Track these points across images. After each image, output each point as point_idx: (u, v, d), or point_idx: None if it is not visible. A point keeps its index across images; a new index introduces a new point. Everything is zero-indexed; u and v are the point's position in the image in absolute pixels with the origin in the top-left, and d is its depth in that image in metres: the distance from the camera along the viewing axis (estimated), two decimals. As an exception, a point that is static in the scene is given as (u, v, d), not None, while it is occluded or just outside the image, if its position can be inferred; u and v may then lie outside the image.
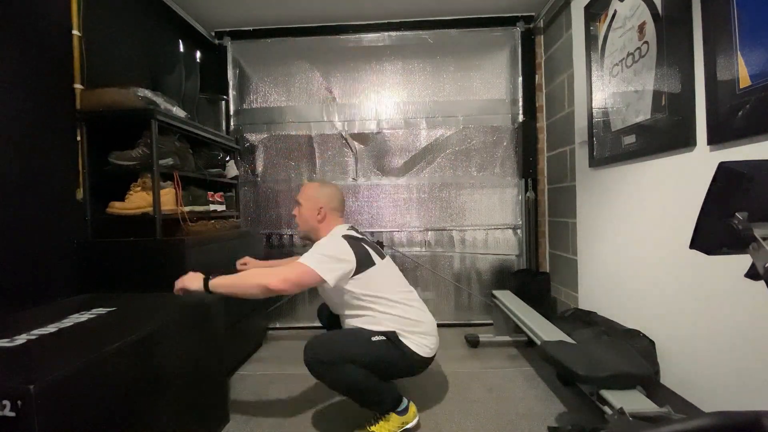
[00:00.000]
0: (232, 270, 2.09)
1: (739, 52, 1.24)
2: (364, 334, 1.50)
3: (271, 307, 2.87)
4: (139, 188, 1.79)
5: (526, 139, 2.89)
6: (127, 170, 1.78)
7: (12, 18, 1.49)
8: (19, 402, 0.76)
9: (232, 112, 2.97)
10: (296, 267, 1.42)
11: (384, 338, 1.50)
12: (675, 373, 1.58)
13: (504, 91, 2.92)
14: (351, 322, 1.58)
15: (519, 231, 2.92)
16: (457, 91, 2.91)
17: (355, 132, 2.94)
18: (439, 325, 1.68)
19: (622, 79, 1.87)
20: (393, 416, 1.53)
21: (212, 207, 2.22)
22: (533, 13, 2.83)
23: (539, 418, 1.58)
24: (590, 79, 2.14)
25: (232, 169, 2.47)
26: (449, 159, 2.93)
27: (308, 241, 1.69)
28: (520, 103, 2.90)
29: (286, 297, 2.91)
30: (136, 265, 1.70)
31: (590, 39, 2.14)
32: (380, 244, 2.29)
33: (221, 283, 1.40)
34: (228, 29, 2.94)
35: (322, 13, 2.76)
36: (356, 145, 2.95)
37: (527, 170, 2.89)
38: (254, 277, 1.44)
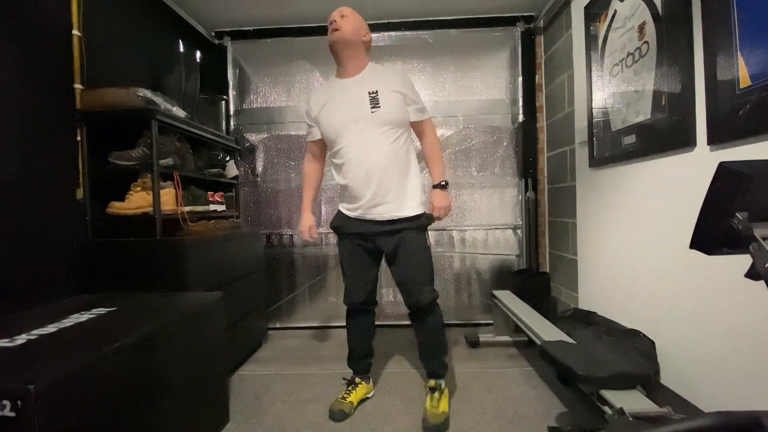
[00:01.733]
0: (232, 270, 2.10)
1: (739, 52, 1.24)
2: (427, 247, 1.68)
3: (271, 307, 2.88)
4: (139, 188, 1.79)
5: (526, 139, 2.89)
6: (127, 170, 1.78)
7: (12, 18, 1.49)
8: (19, 402, 0.76)
9: (232, 112, 2.97)
10: (432, 125, 1.74)
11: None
12: (675, 373, 1.58)
13: (504, 91, 2.92)
14: (398, 178, 1.61)
15: (519, 231, 2.92)
16: (457, 91, 2.91)
17: (355, 132, 2.94)
18: (439, 325, 1.73)
19: (622, 79, 1.87)
20: (443, 384, 1.71)
21: (212, 207, 2.22)
22: (533, 13, 2.83)
23: (539, 418, 1.58)
24: (590, 79, 2.14)
25: (232, 169, 2.47)
26: (449, 159, 2.93)
27: (339, 50, 1.62)
28: (520, 103, 2.90)
29: (286, 297, 2.91)
30: (136, 265, 1.69)
31: (590, 39, 2.14)
32: None
33: (443, 172, 1.71)
34: (228, 29, 2.94)
35: (322, 13, 2.74)
36: (356, 145, 2.94)
37: (527, 170, 2.89)
38: (438, 150, 1.74)
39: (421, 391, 1.85)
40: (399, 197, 1.60)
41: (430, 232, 1.71)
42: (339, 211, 1.72)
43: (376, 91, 1.57)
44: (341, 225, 1.70)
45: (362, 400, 1.77)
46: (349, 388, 1.77)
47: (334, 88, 1.65)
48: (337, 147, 1.62)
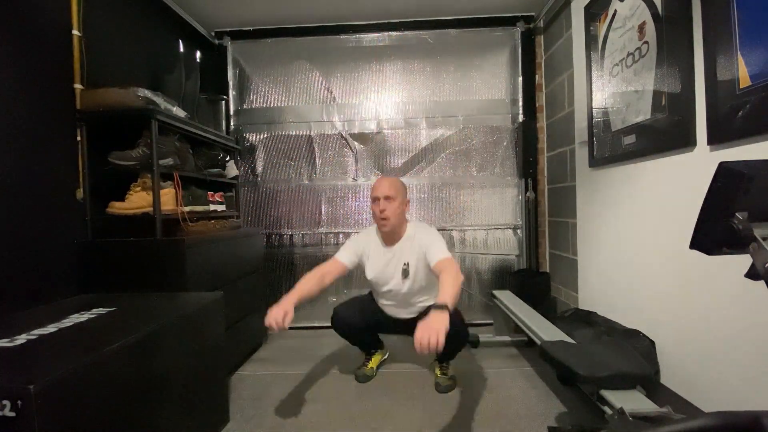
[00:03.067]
0: (232, 270, 2.10)
1: (739, 52, 1.24)
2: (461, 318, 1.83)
3: (271, 307, 2.87)
4: (139, 188, 1.79)
5: (526, 139, 2.89)
6: (127, 170, 1.77)
7: (12, 18, 1.49)
8: (19, 402, 0.76)
9: (232, 112, 2.97)
10: (453, 262, 1.65)
11: None
12: (675, 373, 1.58)
13: (504, 91, 2.92)
14: (424, 302, 1.88)
15: (519, 231, 2.92)
16: (457, 91, 2.91)
17: (355, 132, 2.95)
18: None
19: (622, 79, 1.87)
20: None
21: (212, 207, 2.22)
22: (533, 13, 2.83)
23: (539, 418, 1.58)
24: (590, 79, 2.14)
25: (232, 169, 2.47)
26: (449, 159, 2.93)
27: (388, 236, 1.87)
28: (520, 103, 2.91)
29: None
30: (136, 265, 1.69)
31: (590, 39, 2.14)
32: None
33: (453, 301, 1.42)
34: (228, 29, 2.94)
35: (322, 13, 2.76)
36: (356, 145, 2.95)
37: (527, 170, 2.89)
38: (456, 284, 1.50)
39: (421, 390, 1.85)
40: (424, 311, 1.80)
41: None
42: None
43: (407, 263, 1.84)
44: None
45: (380, 364, 2.09)
46: (367, 357, 2.06)
47: (382, 253, 1.91)
48: (376, 289, 1.97)
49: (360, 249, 1.91)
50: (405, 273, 1.84)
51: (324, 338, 2.63)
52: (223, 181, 2.42)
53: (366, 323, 1.97)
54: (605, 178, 2.06)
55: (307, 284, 1.71)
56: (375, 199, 1.82)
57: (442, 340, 1.17)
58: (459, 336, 1.78)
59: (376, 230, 1.94)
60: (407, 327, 1.69)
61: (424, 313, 1.76)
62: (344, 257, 1.87)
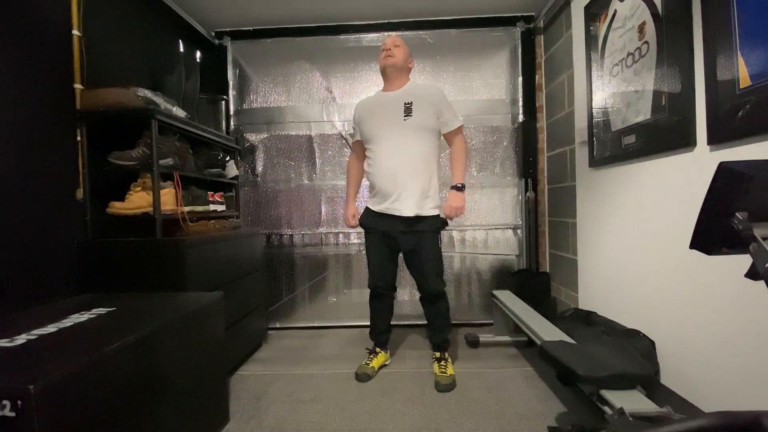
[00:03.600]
0: (232, 270, 2.10)
1: (739, 52, 1.24)
2: (438, 247, 1.97)
3: (271, 307, 2.88)
4: (139, 188, 1.79)
5: (526, 139, 2.89)
6: (127, 170, 1.78)
7: (12, 18, 1.49)
8: (19, 402, 0.76)
9: (232, 112, 2.97)
10: (462, 134, 1.92)
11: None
12: (675, 373, 1.58)
13: (504, 91, 2.92)
14: (419, 180, 1.87)
15: (519, 231, 2.92)
16: (457, 91, 2.91)
17: (355, 132, 2.94)
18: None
19: (622, 79, 1.87)
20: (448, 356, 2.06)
21: (212, 207, 2.22)
22: (533, 13, 2.83)
23: (539, 418, 1.58)
24: (590, 79, 2.14)
25: (232, 169, 2.47)
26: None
27: (389, 72, 1.92)
28: (520, 103, 2.90)
29: (286, 297, 2.92)
30: (136, 265, 1.69)
31: (590, 39, 2.14)
32: None
33: (463, 176, 1.89)
34: (228, 29, 2.94)
35: (322, 13, 2.76)
36: (356, 145, 2.95)
37: (527, 170, 2.89)
38: (464, 156, 1.91)
39: (421, 390, 1.85)
40: (419, 197, 1.85)
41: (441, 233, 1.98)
42: (366, 208, 2.03)
43: (411, 102, 1.86)
44: (368, 222, 2.01)
45: (381, 367, 2.10)
46: (371, 356, 2.10)
47: (379, 98, 1.98)
48: (371, 147, 1.93)
49: (357, 116, 2.02)
50: (407, 110, 1.84)
51: (324, 338, 2.63)
52: (223, 181, 2.42)
53: (388, 269, 2.03)
54: (605, 178, 2.06)
55: (355, 176, 2.14)
56: (384, 48, 1.92)
57: (463, 211, 1.86)
58: (442, 312, 2.02)
59: (374, 94, 2.04)
60: (408, 240, 1.90)
61: (423, 216, 1.87)
62: (354, 136, 2.07)
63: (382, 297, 2.08)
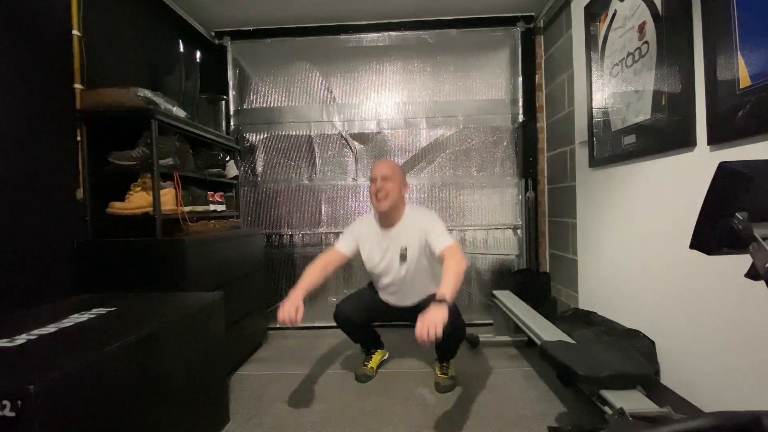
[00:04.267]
0: (232, 270, 2.10)
1: (739, 52, 1.23)
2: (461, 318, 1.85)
3: (271, 307, 2.88)
4: (139, 188, 1.79)
5: (526, 139, 2.89)
6: (127, 170, 1.78)
7: (12, 18, 1.49)
8: (19, 402, 0.76)
9: (232, 112, 2.97)
10: (456, 248, 1.66)
11: None
12: (675, 373, 1.58)
13: (504, 91, 2.92)
14: (425, 284, 1.86)
15: (519, 231, 2.92)
16: (457, 91, 2.91)
17: (355, 132, 2.95)
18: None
19: (622, 79, 1.87)
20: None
21: (212, 207, 2.22)
22: (533, 13, 2.83)
23: (539, 418, 1.58)
24: (590, 79, 2.14)
25: (232, 169, 2.47)
26: (449, 159, 2.93)
27: (384, 214, 1.86)
28: (520, 103, 2.91)
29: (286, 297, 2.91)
30: (136, 265, 1.69)
31: (590, 39, 2.13)
32: None
33: (452, 294, 1.45)
34: (228, 29, 2.94)
35: (322, 13, 2.76)
36: (356, 145, 2.95)
37: (527, 170, 2.89)
38: (458, 274, 1.53)
39: (421, 390, 1.85)
40: (421, 298, 1.89)
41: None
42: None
43: (406, 248, 1.84)
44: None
45: (380, 364, 2.08)
46: (367, 357, 2.07)
47: (379, 235, 1.91)
48: (374, 274, 1.97)
49: (357, 235, 1.92)
50: (402, 257, 1.84)
51: (324, 338, 2.63)
52: (223, 181, 2.42)
53: (368, 316, 1.99)
54: (605, 178, 2.06)
55: (312, 276, 1.75)
56: (373, 180, 1.83)
57: (440, 331, 1.27)
58: (456, 332, 1.81)
59: (373, 216, 1.94)
60: (410, 314, 1.74)
61: (425, 301, 1.82)
62: (343, 246, 1.89)
63: (355, 325, 1.97)
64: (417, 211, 1.90)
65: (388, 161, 1.96)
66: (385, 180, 1.80)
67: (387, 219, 1.87)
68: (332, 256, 1.86)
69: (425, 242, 1.77)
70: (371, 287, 2.07)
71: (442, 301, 1.39)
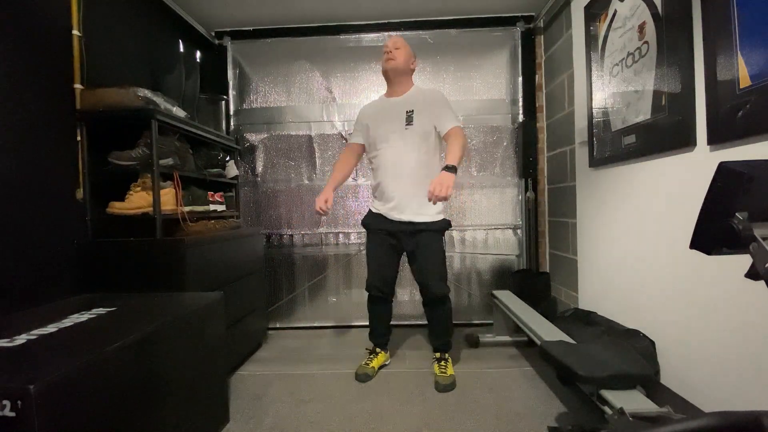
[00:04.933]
0: (232, 270, 2.10)
1: (739, 52, 1.24)
2: (442, 249, 1.95)
3: (271, 307, 2.88)
4: (139, 188, 1.79)
5: (526, 139, 2.89)
6: (127, 170, 1.77)
7: (11, 18, 1.49)
8: (19, 402, 0.76)
9: (232, 112, 2.97)
10: (461, 130, 1.82)
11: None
12: (675, 373, 1.58)
13: (504, 91, 2.92)
14: (423, 185, 1.78)
15: (519, 231, 2.92)
16: (457, 91, 2.91)
17: (355, 132, 2.94)
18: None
19: (622, 79, 1.87)
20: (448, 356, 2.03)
21: (212, 207, 2.22)
22: (533, 13, 2.83)
23: (539, 418, 1.58)
24: (590, 79, 2.14)
25: (232, 169, 2.47)
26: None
27: (391, 75, 1.94)
28: (520, 103, 2.90)
29: (286, 297, 2.92)
30: (136, 265, 1.69)
31: (590, 39, 2.14)
32: None
33: (458, 161, 1.69)
34: (228, 29, 2.94)
35: (322, 13, 2.76)
36: (356, 145, 2.95)
37: (527, 170, 2.89)
38: (463, 148, 1.74)
39: (421, 390, 1.85)
40: (421, 203, 1.83)
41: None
42: (369, 211, 2.04)
43: (412, 111, 1.88)
44: (371, 222, 2.01)
45: (381, 366, 2.10)
46: (371, 356, 2.09)
47: (382, 104, 2.00)
48: (375, 153, 1.97)
49: (361, 118, 2.02)
50: (409, 119, 1.87)
51: (324, 338, 2.63)
52: (223, 181, 2.42)
53: (389, 276, 2.01)
54: (605, 178, 2.06)
55: (341, 170, 2.03)
56: (386, 50, 1.92)
57: (450, 191, 1.56)
58: (445, 316, 1.99)
59: (378, 98, 2.05)
60: (409, 239, 1.89)
61: (424, 224, 1.88)
62: (356, 137, 2.05)
63: (380, 300, 2.06)
64: (426, 88, 2.01)
65: (399, 37, 2.02)
66: (397, 48, 1.91)
67: (394, 86, 1.95)
68: (351, 150, 2.07)
69: (434, 114, 1.85)
70: (372, 235, 2.02)
71: (451, 167, 1.63)
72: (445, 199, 1.57)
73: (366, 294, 2.10)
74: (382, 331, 2.13)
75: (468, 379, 1.94)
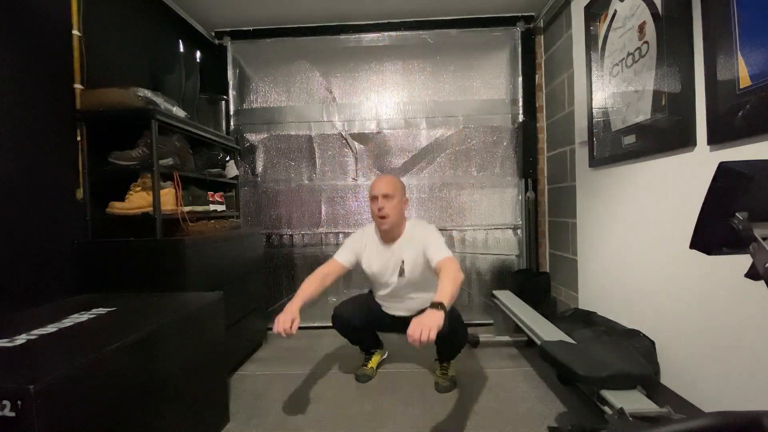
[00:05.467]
0: (232, 270, 2.10)
1: (739, 52, 1.24)
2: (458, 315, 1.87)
3: (271, 307, 2.87)
4: (139, 188, 1.79)
5: (526, 139, 2.89)
6: (127, 170, 1.77)
7: (12, 18, 1.49)
8: (19, 402, 0.76)
9: (232, 112, 2.97)
10: (453, 261, 1.63)
11: None
12: (675, 373, 1.58)
13: (504, 91, 2.92)
14: (421, 299, 1.85)
15: (519, 231, 2.92)
16: (457, 91, 2.91)
17: (355, 132, 2.95)
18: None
19: (622, 79, 1.87)
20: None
21: (212, 207, 2.22)
22: (533, 13, 2.83)
23: (539, 418, 1.58)
24: (590, 79, 2.14)
25: (232, 169, 2.47)
26: (449, 159, 2.93)
27: (386, 234, 1.87)
28: (520, 103, 2.91)
29: (286, 297, 2.91)
30: (136, 265, 1.69)
31: (590, 39, 2.14)
32: None
33: (449, 300, 1.42)
34: (228, 29, 2.94)
35: (322, 13, 2.76)
36: (356, 145, 2.95)
37: (527, 170, 2.89)
38: (455, 282, 1.50)
39: (421, 390, 1.85)
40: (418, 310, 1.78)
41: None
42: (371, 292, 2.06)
43: (404, 261, 1.84)
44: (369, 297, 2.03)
45: (380, 364, 2.08)
46: (367, 357, 2.07)
47: (378, 250, 1.92)
48: (375, 286, 2.01)
49: (357, 248, 1.92)
50: (401, 272, 1.85)
51: (324, 338, 2.63)
52: (223, 181, 2.42)
53: (365, 322, 1.97)
54: (605, 178, 2.06)
55: (309, 288, 1.75)
56: (373, 198, 1.82)
57: (433, 335, 1.23)
58: (457, 336, 1.84)
59: (374, 228, 1.94)
60: (405, 325, 1.60)
61: (422, 311, 1.76)
62: (343, 257, 1.89)
63: (353, 327, 1.96)
64: (418, 227, 1.87)
65: (388, 177, 1.91)
66: (387, 198, 1.79)
67: (388, 235, 1.88)
68: (331, 267, 1.87)
69: (424, 257, 1.75)
70: (371, 294, 2.07)
71: (438, 305, 1.35)
72: (428, 342, 1.24)
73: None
74: (369, 339, 2.11)
75: (468, 379, 1.94)
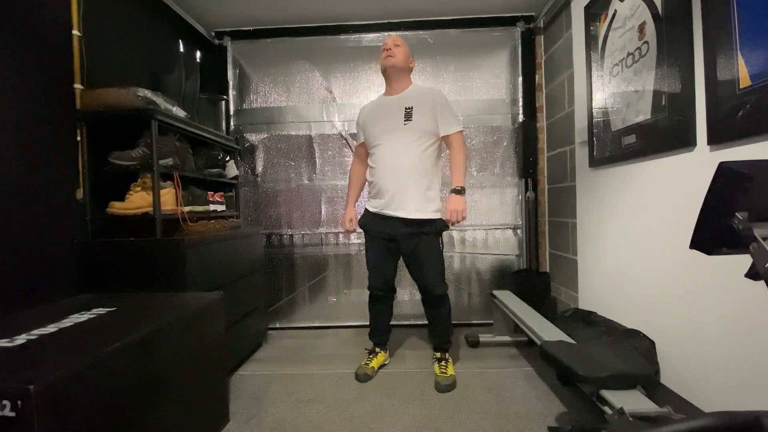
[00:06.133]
0: (232, 270, 2.10)
1: (739, 52, 1.24)
2: (440, 249, 1.97)
3: (271, 307, 2.88)
4: (139, 188, 1.79)
5: (526, 139, 2.89)
6: (127, 170, 1.77)
7: (11, 18, 1.49)
8: (19, 402, 0.76)
9: (232, 112, 2.97)
10: (462, 137, 1.88)
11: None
12: (675, 373, 1.58)
13: (504, 91, 2.92)
14: (420, 182, 1.87)
15: (519, 231, 2.92)
16: (457, 91, 2.91)
17: (355, 132, 2.94)
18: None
19: (622, 79, 1.87)
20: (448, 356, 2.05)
21: (212, 207, 2.21)
22: (533, 13, 2.83)
23: (539, 418, 1.58)
24: (590, 79, 2.14)
25: (232, 169, 2.47)
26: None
27: (390, 73, 1.95)
28: (520, 103, 2.90)
29: (286, 297, 2.92)
30: (136, 265, 1.69)
31: (590, 39, 2.14)
32: None
33: (463, 179, 1.82)
34: (228, 29, 2.94)
35: (322, 13, 2.76)
36: (356, 145, 2.95)
37: (527, 170, 2.89)
38: (462, 159, 1.85)
39: (421, 390, 1.85)
40: (420, 200, 1.87)
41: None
42: (366, 210, 2.03)
43: (411, 107, 1.88)
44: (368, 224, 2.01)
45: (381, 366, 2.10)
46: (371, 356, 2.10)
47: (381, 103, 2.00)
48: (373, 150, 1.97)
49: (361, 118, 2.04)
50: (408, 115, 1.87)
51: (324, 338, 2.63)
52: (223, 181, 2.42)
53: (389, 275, 2.03)
54: (605, 178, 2.06)
55: (356, 181, 2.14)
56: (385, 47, 1.93)
57: (463, 215, 1.77)
58: (444, 315, 2.01)
59: (378, 99, 2.06)
60: (406, 238, 1.89)
61: (420, 222, 1.87)
62: (358, 138, 2.09)
63: (381, 299, 2.08)
64: (425, 86, 2.04)
65: (398, 35, 2.04)
66: (396, 46, 1.92)
67: (392, 84, 1.96)
68: (359, 156, 2.13)
69: (436, 114, 1.86)
70: (370, 238, 2.02)
71: (459, 190, 1.79)
72: (464, 220, 1.77)
73: (367, 293, 2.11)
74: (383, 329, 2.14)
75: (468, 379, 1.94)
